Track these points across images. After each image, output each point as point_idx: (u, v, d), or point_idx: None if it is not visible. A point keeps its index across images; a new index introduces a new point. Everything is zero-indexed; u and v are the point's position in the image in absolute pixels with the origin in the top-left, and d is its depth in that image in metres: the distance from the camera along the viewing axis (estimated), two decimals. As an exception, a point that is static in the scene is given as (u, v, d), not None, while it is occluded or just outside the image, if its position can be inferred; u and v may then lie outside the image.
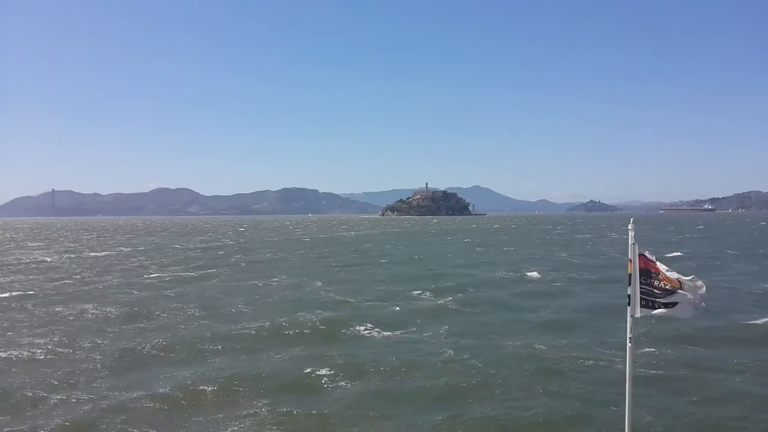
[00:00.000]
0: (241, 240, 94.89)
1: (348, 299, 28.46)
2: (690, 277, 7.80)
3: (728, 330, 20.98)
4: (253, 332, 21.12)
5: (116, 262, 52.56)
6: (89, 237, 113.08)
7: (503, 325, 22.61)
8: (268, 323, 22.40)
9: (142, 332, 21.53)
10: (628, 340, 7.95)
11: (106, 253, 64.75)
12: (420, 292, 31.23)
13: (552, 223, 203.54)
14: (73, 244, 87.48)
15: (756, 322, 22.30)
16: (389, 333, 21.26)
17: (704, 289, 7.74)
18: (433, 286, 32.97)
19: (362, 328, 22.03)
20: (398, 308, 26.10)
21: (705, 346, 18.80)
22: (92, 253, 63.95)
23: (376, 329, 21.82)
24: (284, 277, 38.98)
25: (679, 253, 54.77)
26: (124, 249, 71.27)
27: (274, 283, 35.51)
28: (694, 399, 13.82)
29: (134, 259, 54.81)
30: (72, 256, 60.33)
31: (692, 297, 7.70)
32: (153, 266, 47.76)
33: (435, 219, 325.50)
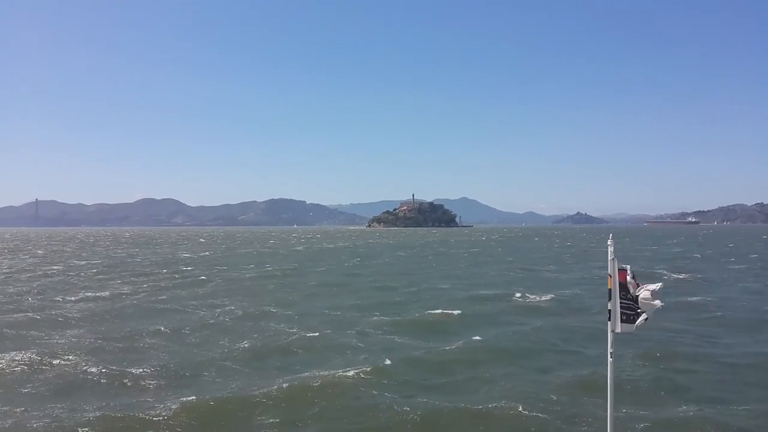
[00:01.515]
0: (205, 253, 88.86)
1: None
2: (656, 286, 7.93)
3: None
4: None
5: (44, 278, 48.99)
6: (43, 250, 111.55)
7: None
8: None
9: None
10: (609, 355, 8.01)
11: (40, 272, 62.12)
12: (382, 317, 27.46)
13: (539, 235, 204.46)
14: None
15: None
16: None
17: (659, 296, 7.90)
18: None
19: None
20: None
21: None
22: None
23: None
24: (228, 301, 33.55)
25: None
26: (78, 262, 69.71)
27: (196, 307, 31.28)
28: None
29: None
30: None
31: (656, 303, 7.86)
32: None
33: (434, 230, 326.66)
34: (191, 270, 55.95)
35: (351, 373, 17.03)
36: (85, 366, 18.25)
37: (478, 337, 22.52)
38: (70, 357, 19.64)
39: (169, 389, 16.08)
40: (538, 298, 33.30)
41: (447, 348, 20.61)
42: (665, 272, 48.33)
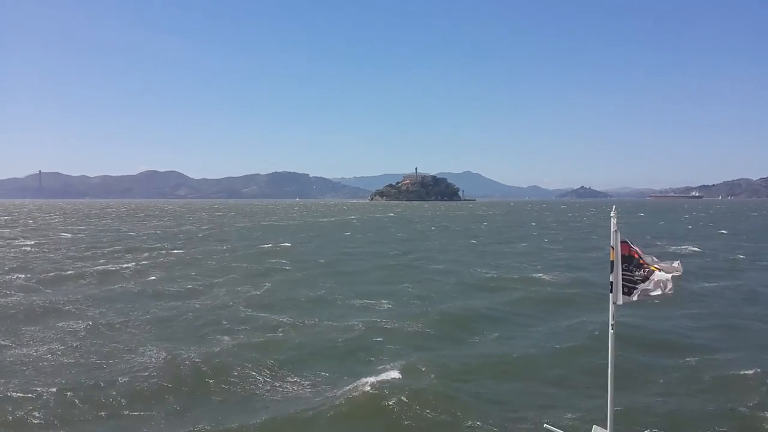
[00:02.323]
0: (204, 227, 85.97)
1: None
2: (670, 262, 7.84)
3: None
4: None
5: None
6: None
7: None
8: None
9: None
10: (610, 327, 7.96)
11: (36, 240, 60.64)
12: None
13: (550, 210, 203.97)
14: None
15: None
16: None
17: (679, 271, 7.81)
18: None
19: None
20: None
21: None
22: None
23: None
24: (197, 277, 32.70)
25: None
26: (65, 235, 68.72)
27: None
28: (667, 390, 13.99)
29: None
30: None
31: (666, 278, 7.76)
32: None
33: (426, 204, 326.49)
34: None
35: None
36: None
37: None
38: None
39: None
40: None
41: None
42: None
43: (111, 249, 48.96)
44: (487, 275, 33.19)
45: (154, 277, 32.80)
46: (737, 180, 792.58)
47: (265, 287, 29.07)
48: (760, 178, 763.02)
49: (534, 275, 32.11)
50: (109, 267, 36.66)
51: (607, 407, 8.21)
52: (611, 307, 7.90)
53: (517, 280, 31.14)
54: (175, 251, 47.15)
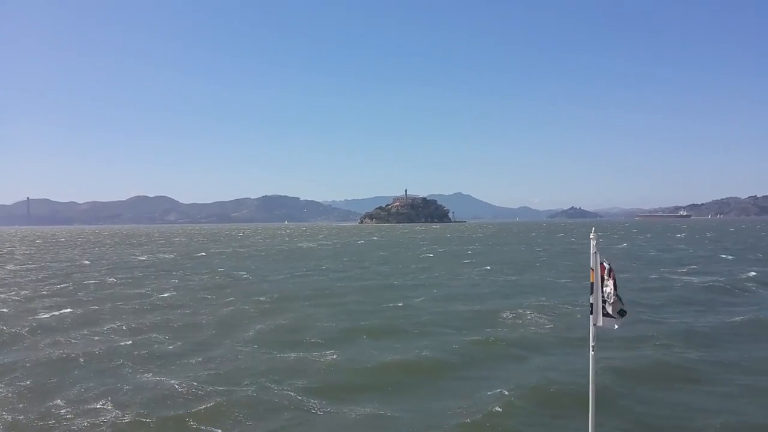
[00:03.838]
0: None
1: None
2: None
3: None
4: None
5: None
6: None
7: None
8: None
9: None
10: (590, 348, 8.02)
11: None
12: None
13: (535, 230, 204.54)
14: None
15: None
16: None
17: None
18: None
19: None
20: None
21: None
22: None
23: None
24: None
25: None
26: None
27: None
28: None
29: None
30: None
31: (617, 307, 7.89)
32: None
33: (418, 226, 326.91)
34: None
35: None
36: None
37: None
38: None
39: None
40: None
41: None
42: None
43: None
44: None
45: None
46: (726, 198, 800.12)
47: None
48: (748, 197, 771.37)
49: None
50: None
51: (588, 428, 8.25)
52: (591, 328, 7.97)
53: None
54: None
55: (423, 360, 17.82)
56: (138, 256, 74.49)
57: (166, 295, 33.59)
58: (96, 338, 21.91)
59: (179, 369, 17.33)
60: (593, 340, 7.99)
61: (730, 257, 56.86)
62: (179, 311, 27.77)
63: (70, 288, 38.03)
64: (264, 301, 30.39)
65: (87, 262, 63.87)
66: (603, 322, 7.86)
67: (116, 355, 19.00)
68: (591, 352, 8.01)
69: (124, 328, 23.65)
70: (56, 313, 27.60)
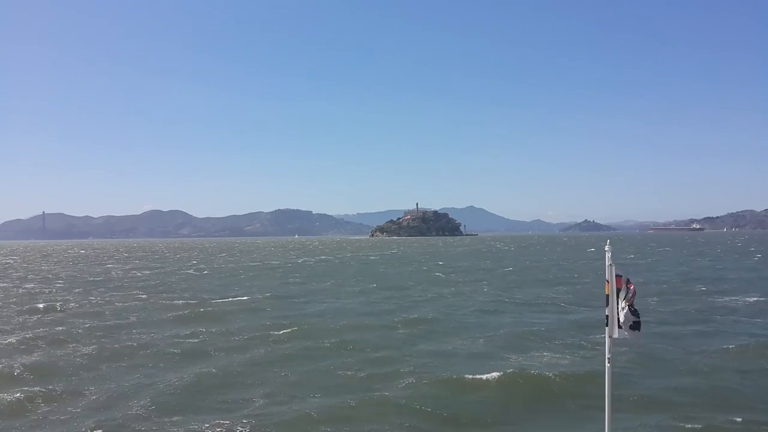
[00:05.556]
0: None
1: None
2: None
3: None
4: None
5: None
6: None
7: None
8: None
9: None
10: (606, 360, 8.09)
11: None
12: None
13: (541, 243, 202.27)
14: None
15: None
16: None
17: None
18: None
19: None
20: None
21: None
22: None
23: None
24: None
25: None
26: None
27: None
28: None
29: None
30: None
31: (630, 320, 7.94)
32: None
33: (439, 240, 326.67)
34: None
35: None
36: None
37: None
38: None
39: None
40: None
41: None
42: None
43: None
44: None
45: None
46: (742, 212, 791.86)
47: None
48: (764, 209, 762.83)
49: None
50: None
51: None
52: (607, 340, 8.05)
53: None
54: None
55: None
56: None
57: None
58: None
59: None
60: (609, 352, 8.07)
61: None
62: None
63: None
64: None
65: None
66: (619, 333, 7.95)
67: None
68: (607, 364, 8.08)
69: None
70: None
